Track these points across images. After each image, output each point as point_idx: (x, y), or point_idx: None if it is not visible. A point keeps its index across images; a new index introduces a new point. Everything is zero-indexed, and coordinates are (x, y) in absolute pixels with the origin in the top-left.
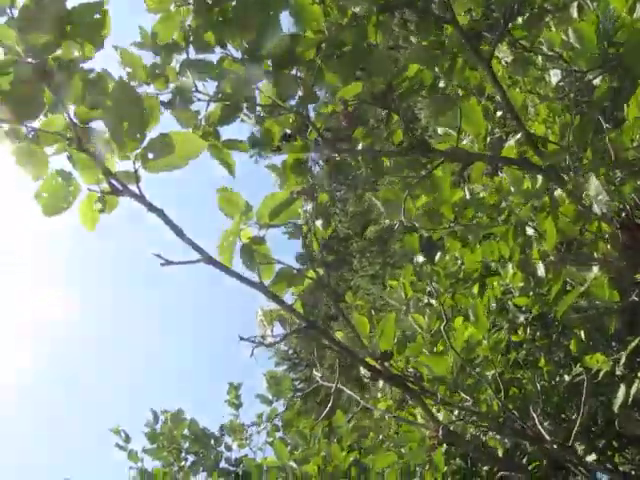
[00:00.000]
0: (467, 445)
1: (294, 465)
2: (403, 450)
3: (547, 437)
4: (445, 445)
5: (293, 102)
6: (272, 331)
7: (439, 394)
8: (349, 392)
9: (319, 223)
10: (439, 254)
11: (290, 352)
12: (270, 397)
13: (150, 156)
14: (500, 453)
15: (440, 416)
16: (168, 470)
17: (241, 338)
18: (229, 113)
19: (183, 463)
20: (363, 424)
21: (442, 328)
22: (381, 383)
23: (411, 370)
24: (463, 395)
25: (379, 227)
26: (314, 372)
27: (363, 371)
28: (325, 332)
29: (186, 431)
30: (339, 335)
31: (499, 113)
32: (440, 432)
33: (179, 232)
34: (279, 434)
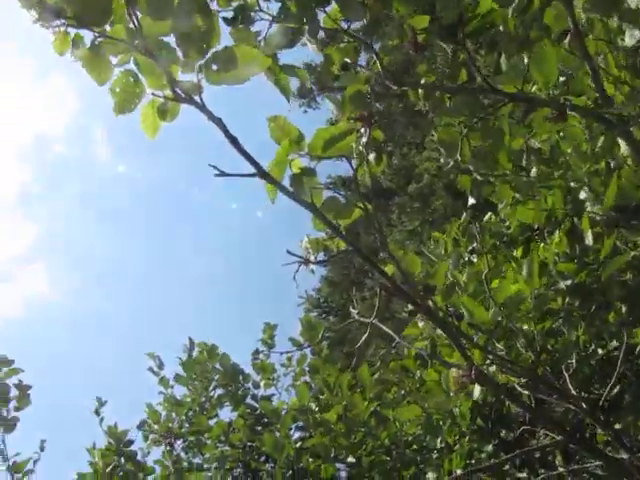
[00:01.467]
0: (498, 389)
1: (314, 409)
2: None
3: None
4: (476, 389)
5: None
6: (316, 258)
7: (475, 337)
8: (385, 328)
9: (372, 157)
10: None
11: (321, 301)
12: (302, 341)
13: (213, 68)
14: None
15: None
16: (196, 398)
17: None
18: (291, 36)
19: (212, 394)
20: (387, 377)
21: (484, 277)
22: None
23: (451, 309)
24: (498, 345)
25: (421, 184)
26: (350, 309)
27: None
28: (369, 259)
29: (218, 365)
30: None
31: None
32: (473, 372)
33: (234, 142)
34: (305, 378)
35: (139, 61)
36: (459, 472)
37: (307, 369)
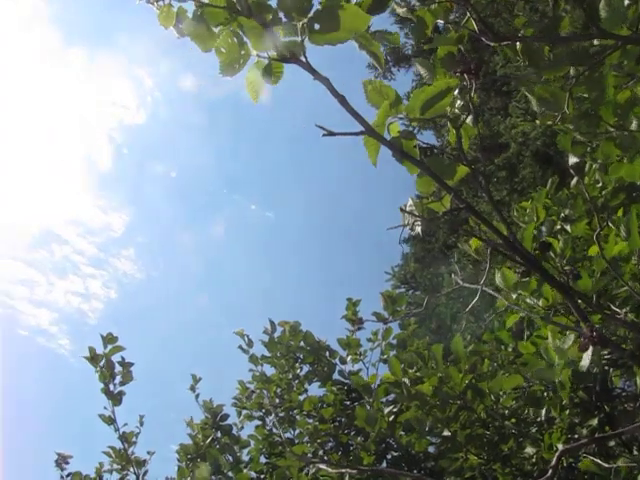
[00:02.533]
0: (621, 351)
1: (407, 382)
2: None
3: None
4: (585, 356)
5: None
6: (419, 223)
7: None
8: (491, 292)
9: (469, 120)
10: (575, 179)
11: (408, 277)
12: (386, 315)
13: (316, 27)
14: None
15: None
16: (284, 376)
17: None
18: (380, 1)
19: (298, 371)
20: (482, 349)
21: (595, 238)
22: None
23: (567, 268)
24: (613, 308)
25: (508, 152)
26: (452, 276)
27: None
28: (481, 215)
29: (302, 343)
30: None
31: None
32: (594, 333)
33: (343, 101)
34: (392, 352)
35: (243, 23)
36: (560, 447)
37: (394, 343)
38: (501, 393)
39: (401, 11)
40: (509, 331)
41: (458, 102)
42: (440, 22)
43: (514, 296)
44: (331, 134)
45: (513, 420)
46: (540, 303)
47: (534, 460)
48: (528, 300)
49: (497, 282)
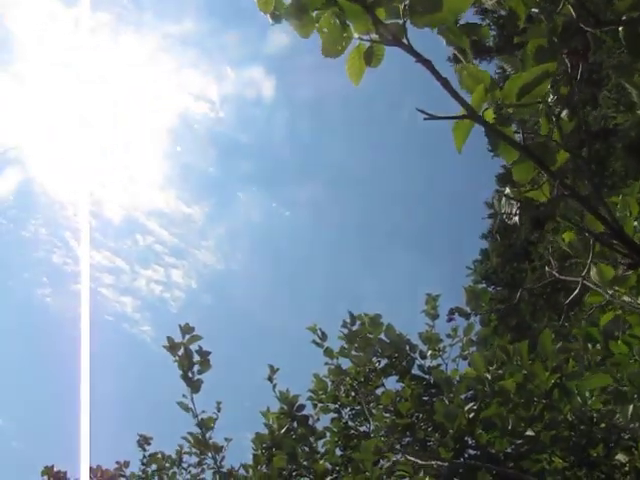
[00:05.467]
0: None
1: (490, 378)
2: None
3: None
4: None
5: None
6: (518, 210)
7: None
8: (593, 287)
9: (564, 114)
10: None
11: (490, 272)
12: (468, 311)
13: (418, 9)
14: None
15: None
16: (361, 369)
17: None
18: None
19: (376, 365)
20: (570, 346)
21: None
22: None
23: None
24: None
25: (598, 145)
26: (546, 268)
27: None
28: (586, 201)
29: (382, 335)
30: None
31: None
32: None
33: (446, 83)
34: (473, 349)
35: (344, 6)
36: None
37: (474, 339)
38: (589, 395)
39: (489, 3)
40: (600, 329)
41: (551, 96)
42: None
43: (610, 292)
44: (432, 117)
45: (602, 425)
46: (639, 300)
47: (626, 469)
48: (625, 297)
49: (592, 277)
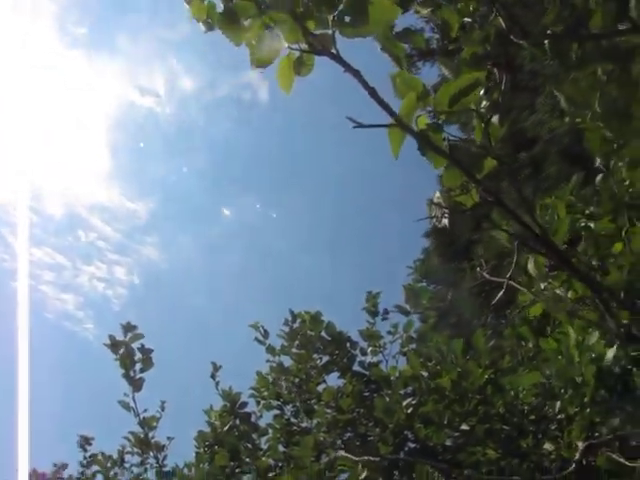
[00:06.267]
0: None
1: (425, 376)
2: (548, 372)
3: None
4: (609, 353)
5: None
6: (447, 216)
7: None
8: (517, 286)
9: (495, 119)
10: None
11: (430, 271)
12: (408, 308)
13: (346, 20)
14: None
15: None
16: (302, 367)
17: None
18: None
19: (317, 362)
20: (503, 343)
21: (624, 234)
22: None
23: (595, 264)
24: None
25: (534, 151)
26: (477, 270)
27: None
28: (510, 209)
29: (323, 333)
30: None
31: None
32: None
33: (373, 93)
34: (413, 345)
35: (274, 16)
36: (580, 444)
37: (414, 336)
38: (521, 389)
39: (425, 12)
40: (530, 326)
41: (484, 102)
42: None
43: (543, 285)
44: (360, 126)
45: (532, 417)
46: (569, 295)
47: (553, 457)
48: (557, 291)
49: (529, 269)
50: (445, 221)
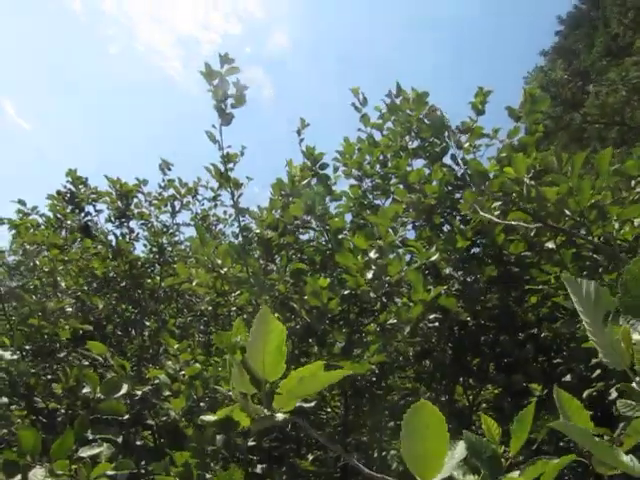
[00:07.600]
0: None
1: (528, 181)
2: None
3: None
4: None
5: None
6: None
7: None
8: None
9: None
10: None
11: (550, 86)
12: (519, 113)
13: None
14: None
15: None
16: (393, 144)
17: None
18: None
19: (410, 143)
20: (627, 170)
21: None
22: None
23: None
24: None
25: None
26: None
27: None
28: None
29: (422, 114)
30: None
31: None
32: None
33: None
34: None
35: None
36: None
37: (515, 145)
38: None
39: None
40: None
41: None
42: None
43: None
44: None
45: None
46: None
47: None
48: None
49: None
50: None
